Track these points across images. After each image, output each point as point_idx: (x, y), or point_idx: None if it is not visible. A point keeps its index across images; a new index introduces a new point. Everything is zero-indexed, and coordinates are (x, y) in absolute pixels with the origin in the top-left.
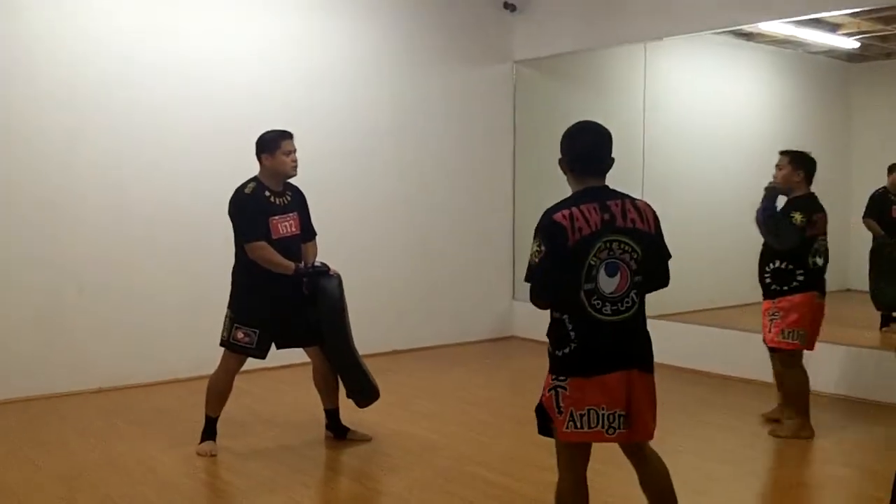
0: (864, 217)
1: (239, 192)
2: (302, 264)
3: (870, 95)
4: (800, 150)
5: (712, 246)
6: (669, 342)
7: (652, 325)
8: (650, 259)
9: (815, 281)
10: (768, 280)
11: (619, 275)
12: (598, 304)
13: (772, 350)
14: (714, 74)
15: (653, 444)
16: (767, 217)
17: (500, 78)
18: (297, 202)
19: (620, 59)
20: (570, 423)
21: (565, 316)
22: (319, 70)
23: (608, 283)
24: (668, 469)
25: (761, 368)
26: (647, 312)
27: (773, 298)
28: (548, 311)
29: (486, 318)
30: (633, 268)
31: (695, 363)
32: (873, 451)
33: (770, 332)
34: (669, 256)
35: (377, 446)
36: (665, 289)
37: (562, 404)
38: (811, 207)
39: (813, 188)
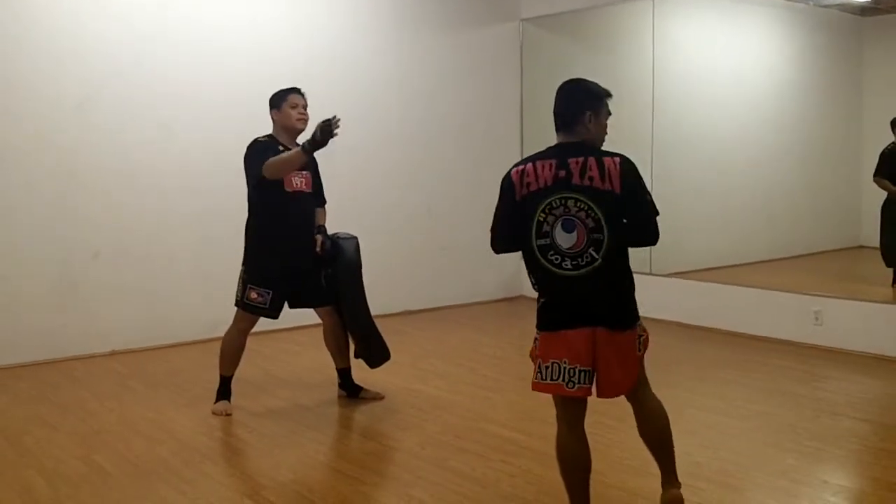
0: (874, 176)
1: (253, 141)
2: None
3: (882, 50)
4: None
5: (722, 203)
6: (680, 300)
7: (662, 283)
8: (615, 217)
9: None
10: None
11: (575, 231)
12: (557, 259)
13: None
14: (723, 30)
15: (663, 400)
16: None
17: (507, 36)
18: (310, 163)
19: (629, 17)
20: (538, 374)
21: (530, 271)
22: (324, 34)
23: (566, 239)
24: (665, 413)
25: (773, 326)
26: (657, 270)
27: None
28: None
29: (495, 278)
30: (589, 226)
31: (706, 321)
32: (883, 405)
33: None
34: (656, 213)
35: (389, 404)
36: (663, 247)
37: (535, 356)
38: None
39: (823, 145)
